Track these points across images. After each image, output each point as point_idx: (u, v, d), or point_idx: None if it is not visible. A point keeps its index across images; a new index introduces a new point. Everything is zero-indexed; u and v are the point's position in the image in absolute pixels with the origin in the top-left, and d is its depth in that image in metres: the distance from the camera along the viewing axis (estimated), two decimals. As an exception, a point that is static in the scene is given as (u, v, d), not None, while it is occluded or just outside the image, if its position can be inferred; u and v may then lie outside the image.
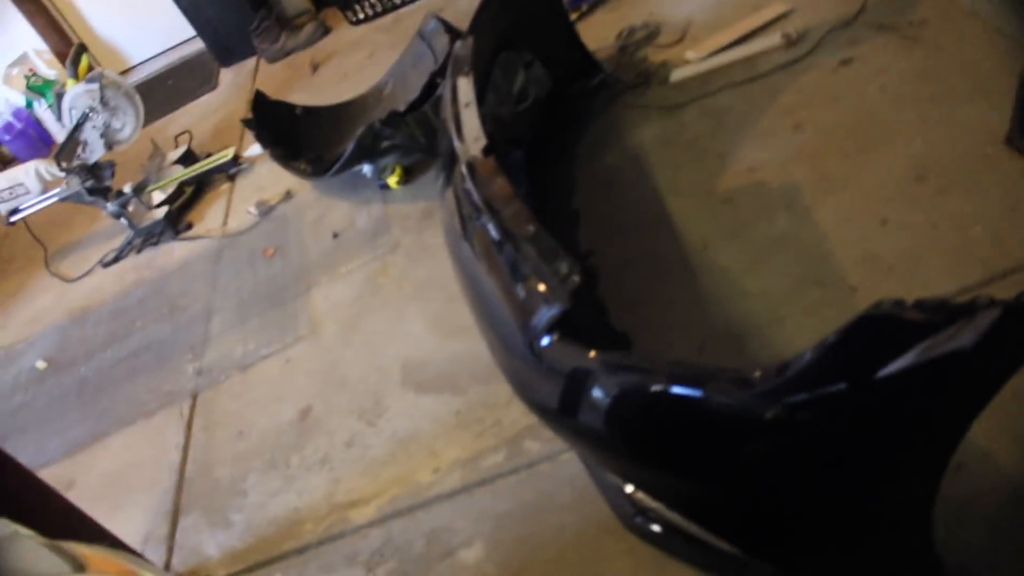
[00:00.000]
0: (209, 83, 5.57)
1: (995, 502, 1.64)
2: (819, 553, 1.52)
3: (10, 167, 5.33)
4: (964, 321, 0.99)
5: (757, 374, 1.11)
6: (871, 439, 1.20)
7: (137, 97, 4.13)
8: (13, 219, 4.36)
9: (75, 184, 4.02)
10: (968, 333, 1.00)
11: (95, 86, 4.01)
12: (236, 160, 4.25)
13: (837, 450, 1.22)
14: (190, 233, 4.00)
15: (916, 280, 2.07)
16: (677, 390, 1.23)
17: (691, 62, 3.29)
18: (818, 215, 2.39)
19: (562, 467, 2.12)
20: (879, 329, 1.05)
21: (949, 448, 1.21)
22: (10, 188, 4.22)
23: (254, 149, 4.27)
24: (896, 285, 2.08)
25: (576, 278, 1.39)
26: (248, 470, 2.62)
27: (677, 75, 3.26)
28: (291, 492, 2.48)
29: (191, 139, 4.70)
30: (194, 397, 3.03)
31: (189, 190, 4.20)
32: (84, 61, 4.10)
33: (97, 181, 4.03)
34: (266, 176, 4.08)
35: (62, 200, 4.17)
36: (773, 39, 3.16)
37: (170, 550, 2.54)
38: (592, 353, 1.34)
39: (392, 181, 3.45)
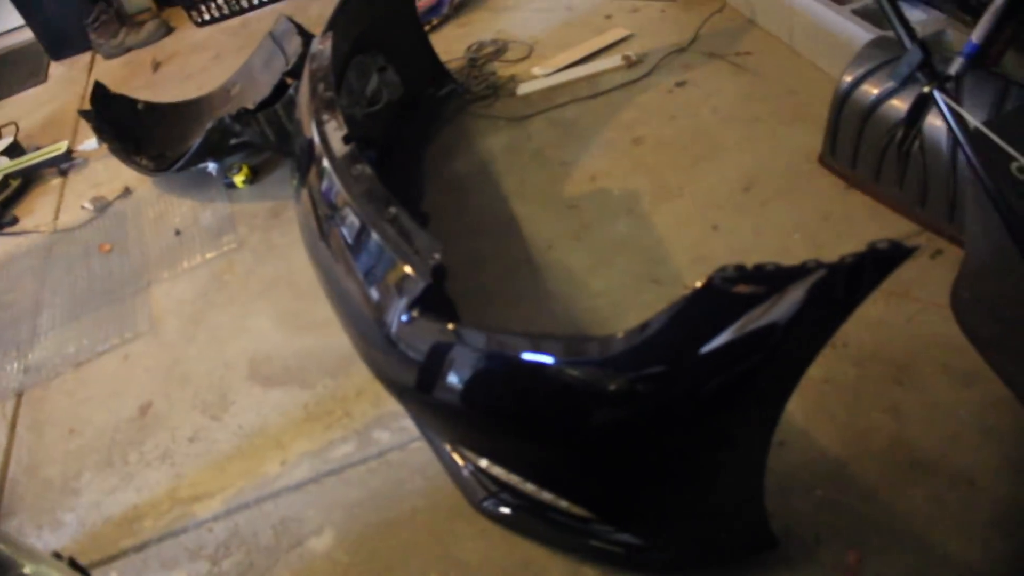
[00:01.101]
0: (38, 76, 5.28)
1: (813, 474, 1.82)
2: (664, 518, 1.64)
3: None
4: (783, 292, 1.12)
5: (620, 335, 1.20)
6: (708, 406, 1.31)
7: (-42, 82, 3.89)
8: None
9: None
10: (787, 303, 1.13)
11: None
12: (69, 154, 4.06)
13: (676, 417, 1.33)
14: (16, 228, 3.77)
15: (742, 279, 2.26)
16: (529, 357, 1.31)
17: (538, 77, 3.44)
18: (656, 220, 2.57)
19: (413, 455, 2.17)
20: (713, 300, 1.16)
21: (777, 411, 1.34)
22: None
23: (89, 144, 4.09)
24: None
25: (437, 255, 1.45)
26: (81, 468, 2.52)
27: (524, 89, 3.40)
28: (129, 489, 2.40)
29: (17, 131, 4.44)
30: (19, 396, 2.87)
31: (15, 183, 3.96)
32: None
33: (-94, 170, 3.76)
34: (102, 172, 3.92)
35: None
36: (615, 60, 3.36)
37: (-8, 553, 2.39)
38: (451, 325, 1.40)
39: (238, 180, 3.41)
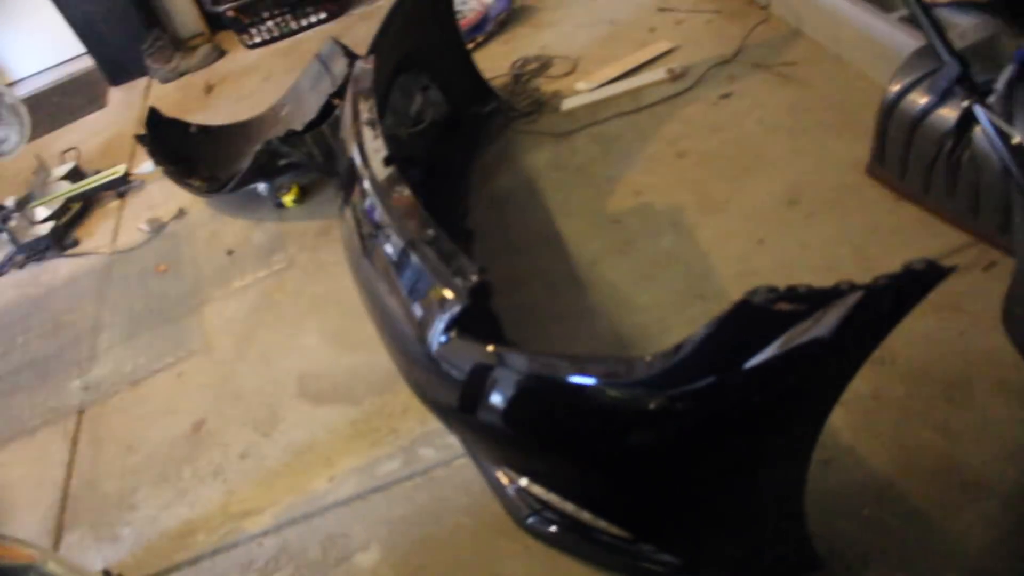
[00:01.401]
0: (97, 101, 5.44)
1: (860, 493, 1.79)
2: (705, 538, 1.62)
3: None
4: (824, 309, 1.11)
5: (648, 358, 1.20)
6: (747, 422, 1.30)
7: (23, 108, 4.02)
8: None
9: (-48, 197, 3.89)
10: (828, 320, 1.12)
11: (-24, 96, 3.91)
12: (127, 178, 4.18)
13: (715, 435, 1.33)
14: (77, 250, 3.89)
15: (788, 294, 2.24)
16: (567, 378, 1.32)
17: (581, 92, 3.44)
18: (700, 234, 2.55)
19: (457, 472, 2.18)
20: (751, 318, 1.15)
21: (817, 428, 1.33)
22: None
23: (145, 167, 4.21)
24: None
25: (475, 277, 1.47)
26: (138, 484, 2.58)
27: (568, 104, 3.41)
28: (183, 504, 2.46)
29: (79, 156, 4.59)
30: (80, 413, 2.96)
31: (76, 206, 4.09)
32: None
33: (-24, 194, 3.91)
34: (158, 194, 4.03)
35: (-63, 214, 4.01)
36: (659, 73, 3.35)
37: (53, 567, 2.46)
38: (490, 347, 1.41)
39: (288, 199, 3.47)
